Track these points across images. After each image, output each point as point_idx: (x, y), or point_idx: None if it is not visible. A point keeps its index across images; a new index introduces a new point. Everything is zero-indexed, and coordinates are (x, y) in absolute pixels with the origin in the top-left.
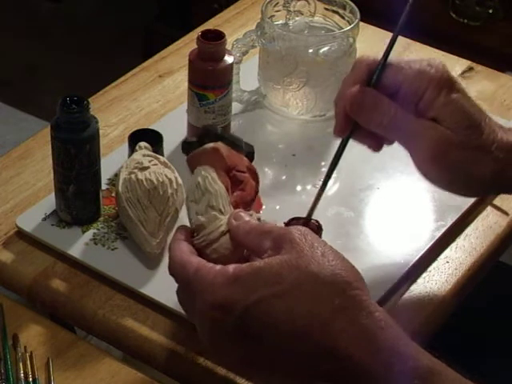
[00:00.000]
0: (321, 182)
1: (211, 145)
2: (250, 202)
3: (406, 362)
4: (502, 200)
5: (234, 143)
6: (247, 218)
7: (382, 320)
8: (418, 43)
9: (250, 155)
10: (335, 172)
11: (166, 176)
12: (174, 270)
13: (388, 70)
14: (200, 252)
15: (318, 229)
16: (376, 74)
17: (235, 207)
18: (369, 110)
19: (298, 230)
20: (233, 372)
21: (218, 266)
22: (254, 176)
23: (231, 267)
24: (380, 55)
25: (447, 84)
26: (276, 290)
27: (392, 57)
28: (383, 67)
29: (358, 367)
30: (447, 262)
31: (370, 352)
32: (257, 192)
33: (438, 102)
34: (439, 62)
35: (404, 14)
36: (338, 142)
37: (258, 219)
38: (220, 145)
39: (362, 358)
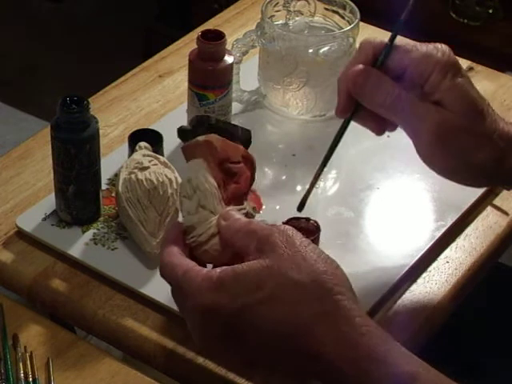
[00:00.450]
0: (318, 182)
1: (203, 137)
2: (244, 194)
3: (386, 369)
4: (502, 200)
5: (229, 131)
6: (237, 216)
7: (363, 326)
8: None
9: (247, 142)
10: (335, 172)
11: (166, 176)
12: (163, 273)
13: (394, 52)
14: (192, 251)
15: (316, 229)
16: (382, 55)
17: (229, 201)
18: (372, 89)
19: (280, 232)
20: (225, 368)
21: (205, 270)
22: (250, 164)
23: (216, 272)
24: (386, 39)
25: (453, 68)
26: (258, 296)
27: (397, 40)
28: (390, 49)
29: (338, 373)
30: (447, 262)
31: (350, 359)
32: (253, 180)
33: (443, 86)
34: (445, 46)
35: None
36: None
37: (254, 208)
38: (213, 137)
39: (341, 364)
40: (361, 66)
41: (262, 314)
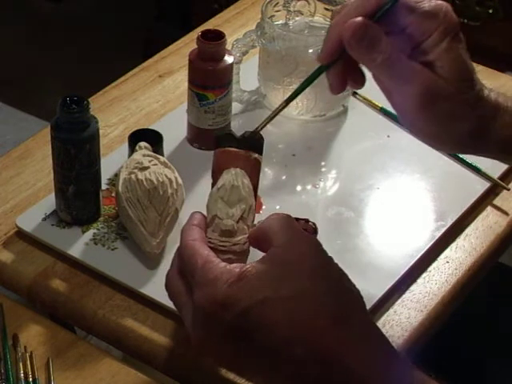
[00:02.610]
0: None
1: (256, 155)
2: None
3: (397, 370)
4: (502, 200)
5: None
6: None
7: (377, 334)
8: None
9: None
10: (335, 172)
11: (166, 176)
12: (182, 254)
13: (399, 7)
14: (212, 249)
15: (314, 231)
16: (383, 10)
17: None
18: (368, 45)
19: (311, 244)
20: (224, 368)
21: (223, 264)
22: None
23: (238, 267)
24: None
25: (453, 31)
26: (279, 293)
27: None
28: (393, 5)
29: (349, 372)
30: (447, 262)
31: (363, 358)
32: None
33: (439, 47)
34: (447, 5)
35: None
36: (338, 143)
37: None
38: (260, 159)
39: (354, 363)
40: (361, 19)
41: (277, 312)
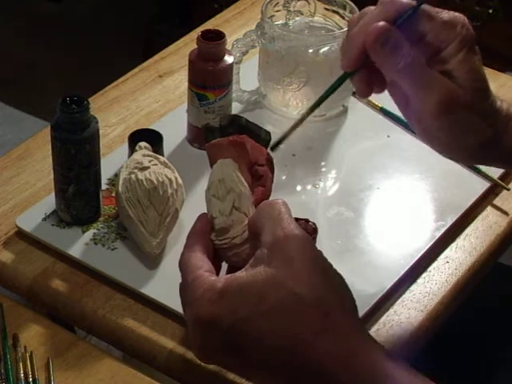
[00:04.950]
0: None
1: (235, 137)
2: (268, 197)
3: (385, 381)
4: (502, 200)
5: (256, 133)
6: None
7: (364, 342)
8: None
9: (267, 143)
10: (335, 172)
11: (166, 176)
12: (180, 267)
13: (419, 15)
14: (217, 250)
15: (314, 231)
16: (405, 16)
17: (256, 204)
18: (391, 50)
19: (296, 244)
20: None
21: (212, 279)
22: (271, 166)
23: (221, 282)
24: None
25: (470, 43)
26: (260, 308)
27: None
28: (415, 12)
29: (338, 382)
30: (447, 262)
31: (352, 372)
32: (272, 181)
33: (457, 58)
34: (464, 18)
35: None
36: (338, 143)
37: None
38: (245, 138)
39: (344, 376)
40: (384, 23)
41: (261, 327)
